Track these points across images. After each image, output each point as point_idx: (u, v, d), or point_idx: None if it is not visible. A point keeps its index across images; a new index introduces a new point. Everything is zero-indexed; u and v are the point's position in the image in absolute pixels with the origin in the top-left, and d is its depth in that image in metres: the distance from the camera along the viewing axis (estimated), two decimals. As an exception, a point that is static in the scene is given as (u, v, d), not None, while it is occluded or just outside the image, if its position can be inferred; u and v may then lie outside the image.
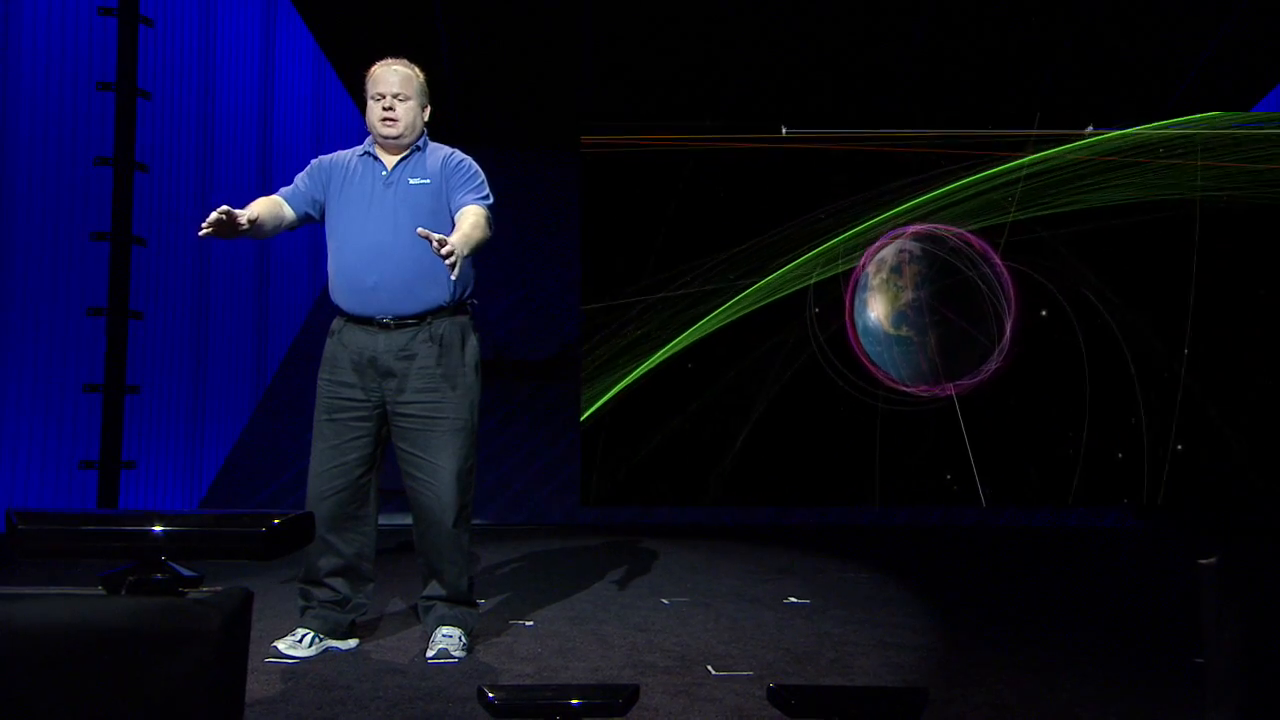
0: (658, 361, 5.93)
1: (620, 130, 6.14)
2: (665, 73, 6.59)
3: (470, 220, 2.75)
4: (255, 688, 2.41)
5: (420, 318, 2.83)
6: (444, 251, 2.49)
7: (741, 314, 5.97)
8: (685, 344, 5.96)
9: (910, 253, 5.58)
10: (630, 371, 5.90)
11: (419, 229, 2.55)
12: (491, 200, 2.89)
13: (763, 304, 5.99)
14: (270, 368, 6.21)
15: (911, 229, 5.80)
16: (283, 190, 2.94)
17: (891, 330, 5.83)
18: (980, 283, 5.44)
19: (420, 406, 2.81)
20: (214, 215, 2.59)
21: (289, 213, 2.90)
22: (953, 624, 3.27)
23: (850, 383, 5.96)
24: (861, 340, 5.64)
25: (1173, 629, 3.22)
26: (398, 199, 2.84)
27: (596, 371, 5.89)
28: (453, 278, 2.57)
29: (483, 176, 2.92)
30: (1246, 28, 6.37)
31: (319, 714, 2.26)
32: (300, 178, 2.95)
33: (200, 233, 2.62)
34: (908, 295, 5.66)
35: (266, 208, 2.82)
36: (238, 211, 2.65)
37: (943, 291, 5.66)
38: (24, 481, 4.24)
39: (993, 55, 6.53)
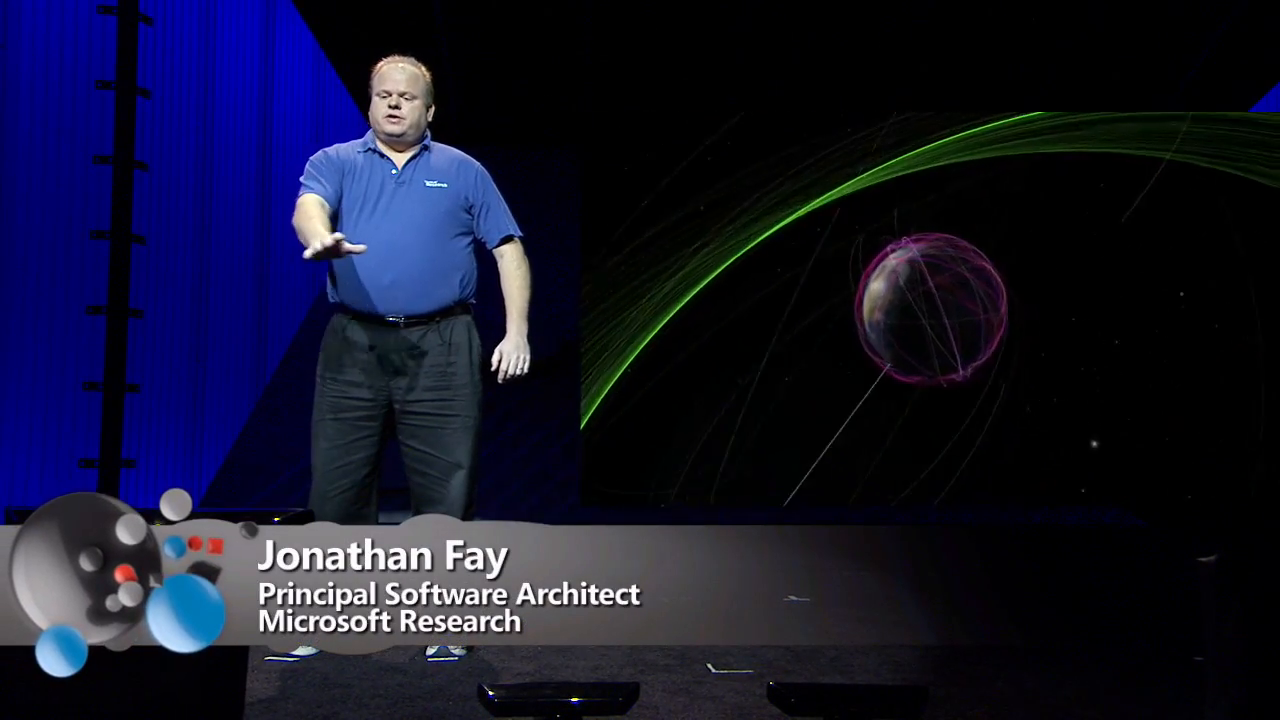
0: (660, 361, 5.92)
1: (622, 124, 6.13)
2: (667, 65, 6.58)
3: (515, 280, 2.95)
4: (255, 687, 2.41)
5: (430, 316, 2.84)
6: (515, 372, 2.90)
7: (743, 313, 5.97)
8: (687, 344, 5.95)
9: (898, 275, 5.71)
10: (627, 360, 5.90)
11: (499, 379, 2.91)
12: (518, 230, 2.98)
13: (765, 302, 5.99)
14: (270, 366, 6.21)
15: (914, 245, 5.84)
16: (315, 192, 2.86)
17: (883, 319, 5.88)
18: (932, 332, 5.64)
19: (430, 404, 2.82)
20: (318, 244, 2.57)
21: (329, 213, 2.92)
22: (953, 623, 3.26)
23: (855, 383, 5.96)
24: (867, 331, 5.77)
25: (1172, 629, 3.22)
26: (413, 199, 2.85)
27: (599, 368, 5.89)
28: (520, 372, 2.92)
29: (505, 203, 2.99)
30: (1246, 27, 6.36)
31: (319, 713, 2.26)
32: (320, 176, 2.87)
33: (306, 256, 2.62)
34: (877, 316, 5.80)
35: (327, 218, 2.82)
36: (347, 245, 2.62)
37: (899, 329, 5.82)
38: (24, 480, 4.23)
39: (989, 53, 6.52)
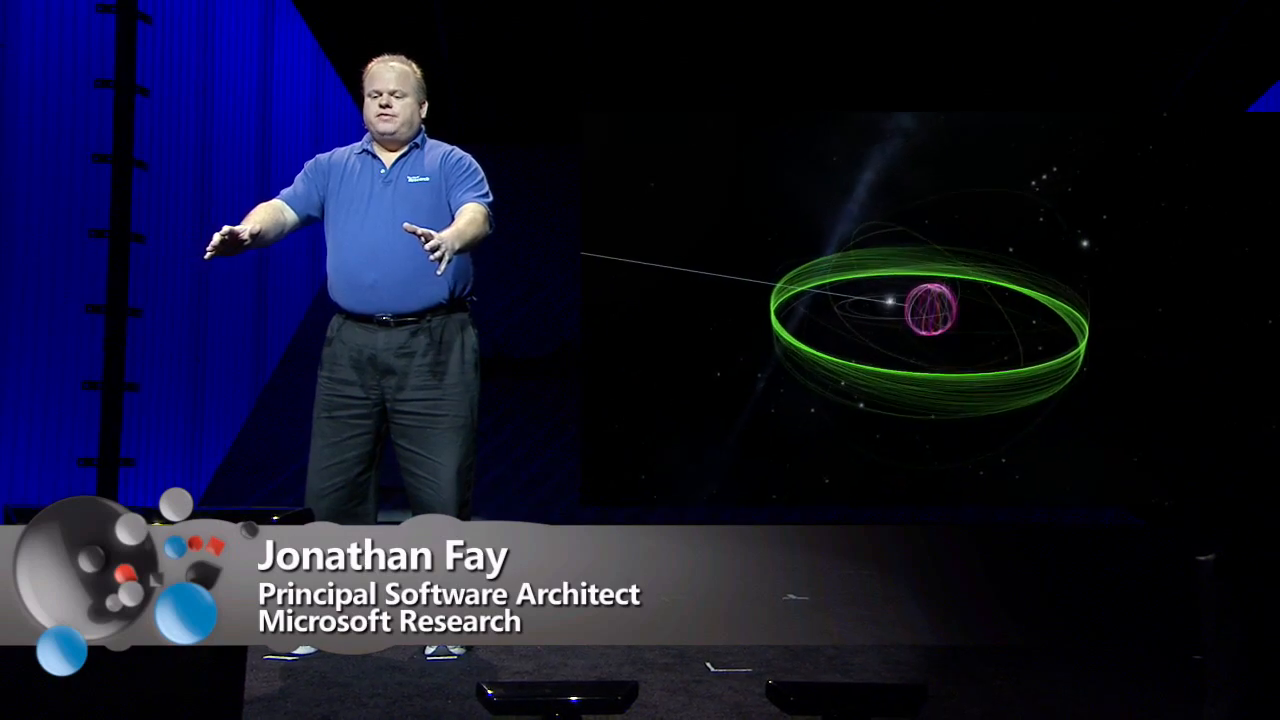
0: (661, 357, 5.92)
1: (622, 124, 6.13)
2: (667, 64, 6.58)
3: (466, 217, 2.75)
4: (254, 685, 2.41)
5: (419, 315, 2.83)
6: (429, 246, 2.49)
7: (745, 313, 5.96)
8: (688, 343, 5.95)
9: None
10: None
11: (404, 224, 2.55)
12: (491, 199, 2.89)
13: (767, 302, 5.98)
14: (269, 365, 6.20)
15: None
16: (284, 193, 2.93)
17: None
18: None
19: (420, 404, 2.82)
20: (217, 237, 2.60)
21: (290, 216, 2.90)
22: (953, 623, 3.26)
23: (856, 384, 5.95)
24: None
25: (1172, 628, 3.22)
26: (397, 196, 2.84)
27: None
28: (438, 273, 2.55)
29: (482, 174, 2.92)
30: (1246, 28, 6.36)
31: (318, 711, 2.27)
32: (299, 179, 2.95)
33: (205, 256, 2.62)
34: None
35: (268, 214, 2.82)
36: (239, 228, 2.65)
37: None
38: (23, 479, 4.23)
39: (989, 53, 6.52)
